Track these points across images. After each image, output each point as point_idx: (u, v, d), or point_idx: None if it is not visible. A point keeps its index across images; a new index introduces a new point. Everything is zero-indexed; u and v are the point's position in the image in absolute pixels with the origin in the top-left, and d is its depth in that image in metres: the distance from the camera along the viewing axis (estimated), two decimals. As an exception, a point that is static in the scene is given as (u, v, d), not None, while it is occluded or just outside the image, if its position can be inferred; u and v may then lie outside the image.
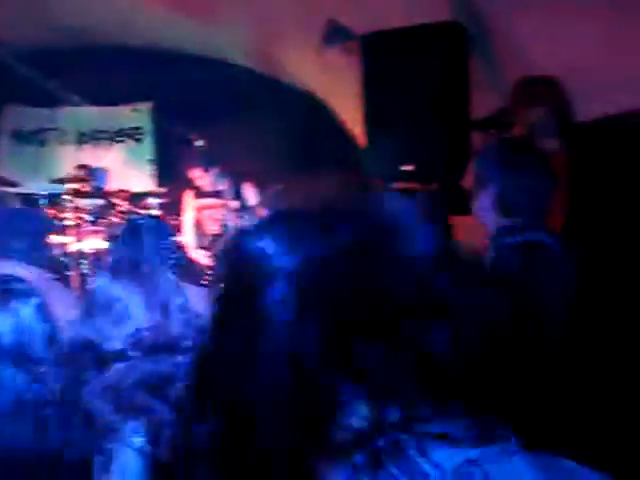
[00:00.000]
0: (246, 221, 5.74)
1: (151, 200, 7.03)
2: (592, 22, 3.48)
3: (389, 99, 4.21)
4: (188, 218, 5.94)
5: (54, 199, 7.41)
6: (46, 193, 7.30)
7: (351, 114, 6.13)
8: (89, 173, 7.68)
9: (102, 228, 7.15)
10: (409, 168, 4.11)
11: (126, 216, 7.18)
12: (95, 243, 7.06)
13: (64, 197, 7.14)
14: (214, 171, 5.77)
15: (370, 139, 4.36)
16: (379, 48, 4.33)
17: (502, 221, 2.24)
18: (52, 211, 7.15)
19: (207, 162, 5.75)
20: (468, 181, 2.43)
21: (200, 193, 5.90)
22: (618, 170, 3.37)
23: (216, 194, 5.86)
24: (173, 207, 7.01)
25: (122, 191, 7.62)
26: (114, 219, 7.28)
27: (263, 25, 6.64)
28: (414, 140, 4.11)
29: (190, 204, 5.87)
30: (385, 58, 4.28)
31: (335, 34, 5.21)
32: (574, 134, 3.53)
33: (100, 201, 7.38)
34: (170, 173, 7.58)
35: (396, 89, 4.17)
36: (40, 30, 7.34)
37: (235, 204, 5.84)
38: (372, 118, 4.31)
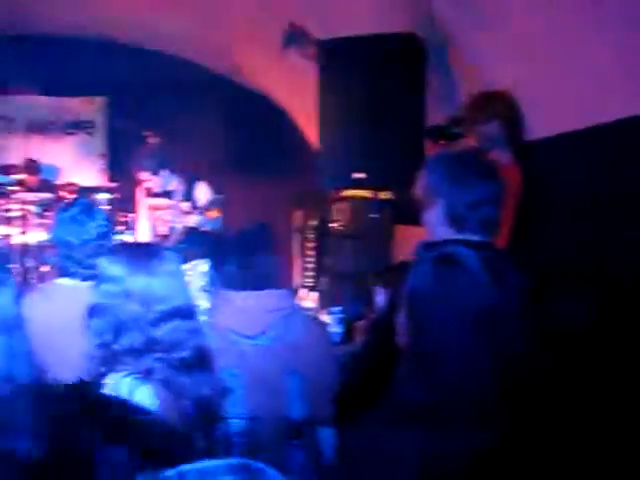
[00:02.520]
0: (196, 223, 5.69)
1: (100, 195, 6.90)
2: (548, 41, 3.53)
3: (344, 105, 4.20)
4: (140, 216, 5.86)
5: (0, 189, 7.26)
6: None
7: (307, 119, 6.12)
8: (37, 167, 7.54)
9: (48, 221, 7.02)
10: (360, 176, 4.11)
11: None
12: (40, 236, 6.93)
13: (10, 188, 6.99)
14: (165, 172, 5.70)
15: (324, 144, 4.34)
16: (337, 54, 4.32)
17: (451, 234, 2.23)
18: (-2, 201, 7.00)
19: (158, 162, 5.69)
20: (418, 191, 2.42)
21: (150, 192, 5.83)
22: (566, 184, 3.43)
23: (166, 195, 5.79)
24: (123, 204, 6.92)
25: (71, 184, 7.50)
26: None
27: (222, 25, 6.59)
28: (367, 147, 4.12)
29: (142, 203, 5.79)
30: (342, 64, 4.27)
31: (295, 38, 5.20)
32: (525, 148, 3.59)
33: (48, 194, 7.24)
34: (121, 169, 7.47)
35: (351, 95, 4.17)
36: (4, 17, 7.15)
37: (186, 205, 5.78)
38: (326, 123, 4.30)
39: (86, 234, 2.70)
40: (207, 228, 5.67)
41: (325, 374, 2.41)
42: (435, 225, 2.29)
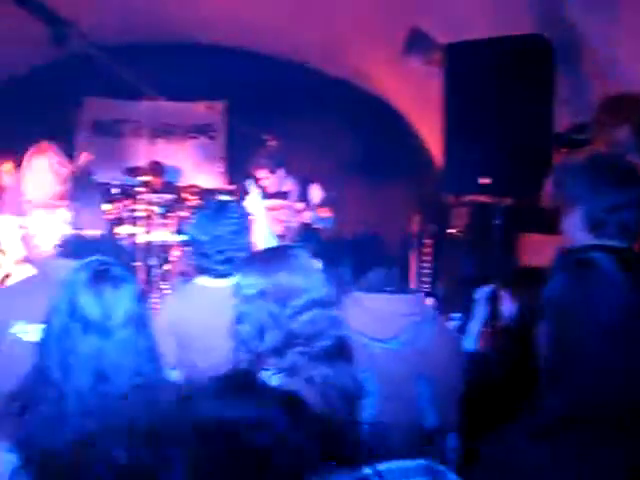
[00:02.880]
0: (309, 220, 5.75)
1: (221, 197, 7.10)
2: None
3: (470, 111, 4.14)
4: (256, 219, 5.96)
5: (127, 190, 7.58)
6: (119, 184, 7.46)
7: (428, 124, 6.08)
8: (161, 169, 7.84)
9: (171, 222, 7.29)
10: (486, 181, 4.04)
11: (195, 210, 7.30)
12: (163, 235, 7.20)
13: (136, 189, 7.30)
14: (281, 172, 5.78)
15: (448, 150, 4.30)
16: (462, 59, 4.26)
17: (590, 240, 2.19)
18: (124, 202, 7.32)
19: (275, 163, 5.78)
20: (547, 199, 2.38)
21: (265, 194, 5.93)
22: None
23: (282, 195, 5.87)
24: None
25: (192, 186, 7.76)
26: (183, 213, 7.41)
27: (342, 29, 6.64)
28: (493, 151, 4.04)
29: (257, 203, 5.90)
30: (468, 69, 4.21)
31: (418, 43, 5.17)
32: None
33: (170, 196, 7.51)
34: (241, 171, 7.65)
35: (477, 99, 4.11)
36: (123, 24, 7.49)
37: (300, 206, 5.85)
38: (451, 129, 4.25)
39: (217, 230, 2.78)
40: (319, 225, 5.73)
41: (454, 381, 2.39)
42: (574, 231, 2.26)
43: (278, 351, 1.93)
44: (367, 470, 1.03)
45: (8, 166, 5.49)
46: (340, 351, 1.96)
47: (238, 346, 2.00)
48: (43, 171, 4.37)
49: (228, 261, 2.77)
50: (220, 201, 3.14)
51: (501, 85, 4.08)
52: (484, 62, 4.16)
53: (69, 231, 4.50)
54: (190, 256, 2.89)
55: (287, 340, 1.93)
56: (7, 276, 5.23)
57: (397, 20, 5.66)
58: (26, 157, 4.42)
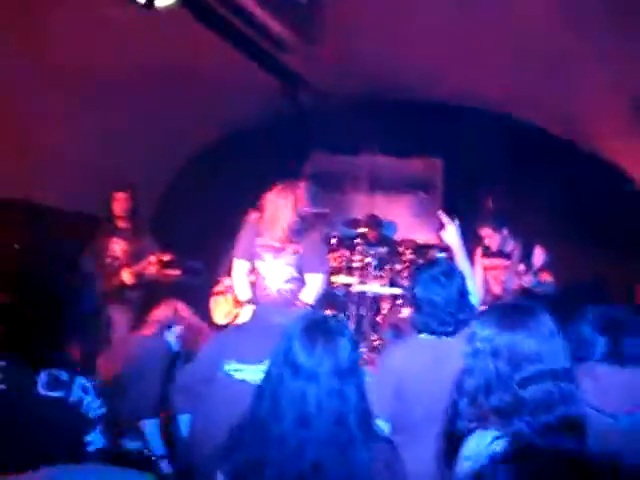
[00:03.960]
0: (529, 284, 5.57)
1: (437, 253, 7.13)
2: None
3: None
4: (476, 277, 5.91)
5: (345, 241, 7.88)
6: (338, 234, 7.78)
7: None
8: (378, 222, 8.06)
9: (385, 274, 7.45)
10: None
11: (409, 265, 7.40)
12: (376, 287, 7.36)
13: (354, 241, 7.57)
14: (504, 231, 5.70)
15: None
16: None
17: None
18: (342, 252, 7.60)
19: (499, 221, 5.71)
20: None
21: (487, 252, 5.87)
22: None
23: (503, 255, 5.78)
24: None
25: (408, 241, 7.87)
26: (397, 267, 7.54)
27: (576, 93, 6.49)
28: None
29: (478, 262, 5.85)
30: None
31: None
32: None
33: (386, 248, 7.68)
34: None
35: None
36: (350, 81, 7.87)
37: (521, 267, 5.71)
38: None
39: (448, 293, 2.84)
40: (539, 290, 5.52)
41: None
42: None
43: (503, 414, 1.91)
44: None
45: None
46: (571, 428, 1.88)
47: (461, 398, 2.01)
48: (285, 208, 4.65)
49: (456, 322, 2.83)
50: (447, 261, 3.20)
51: None
52: None
53: (295, 275, 4.77)
54: (415, 314, 2.94)
55: (513, 405, 1.89)
56: (237, 316, 5.63)
57: (625, 85, 5.46)
58: (270, 196, 4.70)
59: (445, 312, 2.81)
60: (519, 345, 1.94)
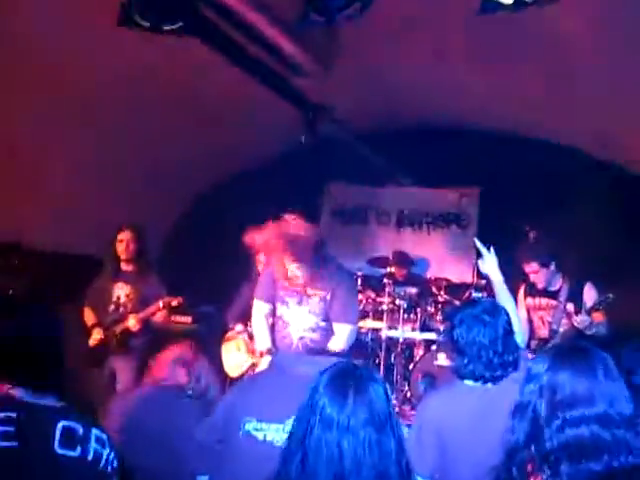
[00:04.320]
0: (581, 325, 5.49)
1: (473, 293, 7.09)
2: None
3: None
4: (520, 317, 5.84)
5: (371, 281, 7.85)
6: (362, 274, 7.75)
7: None
8: (407, 260, 8.04)
9: (416, 317, 7.40)
10: None
11: (443, 306, 7.36)
12: (408, 332, 7.31)
13: (382, 281, 7.54)
14: (551, 266, 5.64)
15: None
16: None
17: None
18: (368, 293, 7.58)
19: (545, 256, 5.65)
20: None
21: (532, 291, 5.80)
22: None
23: (550, 294, 5.72)
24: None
25: (441, 280, 7.84)
26: (430, 309, 7.50)
27: (617, 114, 6.51)
28: None
29: (521, 301, 5.79)
30: None
31: None
32: None
33: (416, 289, 7.65)
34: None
35: None
36: (372, 106, 7.92)
37: (570, 307, 5.65)
38: None
39: (493, 332, 2.85)
40: (591, 332, 5.43)
41: None
42: None
43: (551, 460, 1.92)
44: None
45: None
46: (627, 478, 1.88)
47: (510, 442, 2.03)
48: (280, 251, 4.55)
49: (503, 365, 2.84)
50: (490, 300, 3.20)
51: None
52: None
53: (320, 324, 4.73)
54: (456, 359, 2.94)
55: (560, 449, 1.91)
56: (254, 365, 5.60)
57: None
58: (259, 237, 4.61)
59: (491, 354, 2.82)
60: (569, 386, 1.96)
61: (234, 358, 6.15)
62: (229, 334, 6.30)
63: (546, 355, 2.09)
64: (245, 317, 5.91)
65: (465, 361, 2.87)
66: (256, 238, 4.62)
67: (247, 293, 6.14)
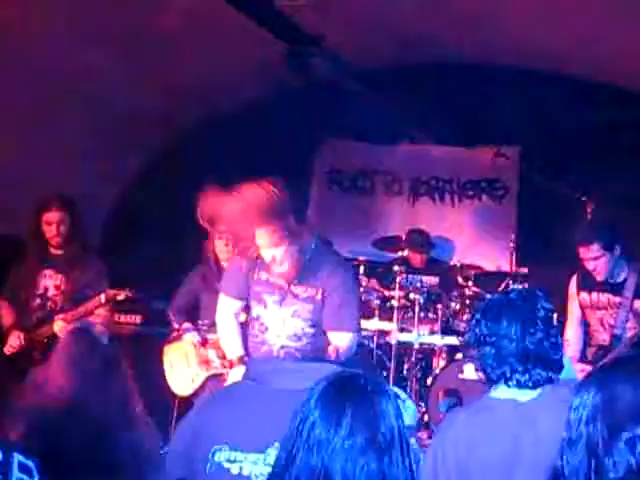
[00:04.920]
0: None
1: (511, 285, 7.06)
2: None
3: None
4: (572, 319, 5.80)
5: (377, 269, 7.80)
6: (366, 259, 7.70)
7: None
8: (425, 241, 8.00)
9: (436, 316, 7.35)
10: None
11: (471, 302, 7.31)
12: (426, 337, 7.26)
13: (391, 269, 7.48)
14: (616, 251, 5.55)
15: None
16: None
17: None
18: (373, 285, 7.52)
19: (606, 238, 5.56)
20: None
21: (590, 283, 5.73)
22: None
23: (613, 287, 5.65)
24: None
25: (469, 267, 7.80)
26: (454, 305, 7.43)
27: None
28: None
29: (573, 297, 5.75)
30: None
31: None
32: None
33: (437, 279, 7.61)
34: (539, 247, 7.56)
35: None
36: (383, 42, 7.85)
37: (638, 305, 5.61)
38: None
39: (529, 321, 2.86)
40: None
41: None
42: None
43: None
44: None
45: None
46: None
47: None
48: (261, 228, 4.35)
49: (545, 364, 2.88)
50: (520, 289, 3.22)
51: None
52: None
53: (307, 331, 4.67)
54: (483, 358, 2.97)
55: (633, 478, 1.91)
56: (219, 376, 5.56)
57: None
58: (226, 209, 4.40)
59: (521, 354, 2.84)
60: (630, 394, 1.96)
61: (181, 370, 6.06)
62: (172, 335, 6.22)
63: (595, 375, 2.10)
64: (193, 312, 5.99)
65: (494, 361, 2.90)
66: (217, 207, 4.42)
67: (196, 280, 6.15)
